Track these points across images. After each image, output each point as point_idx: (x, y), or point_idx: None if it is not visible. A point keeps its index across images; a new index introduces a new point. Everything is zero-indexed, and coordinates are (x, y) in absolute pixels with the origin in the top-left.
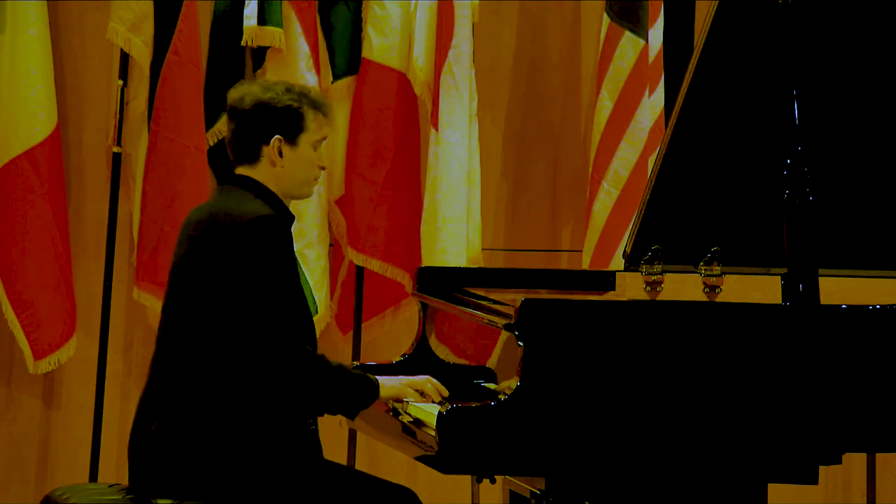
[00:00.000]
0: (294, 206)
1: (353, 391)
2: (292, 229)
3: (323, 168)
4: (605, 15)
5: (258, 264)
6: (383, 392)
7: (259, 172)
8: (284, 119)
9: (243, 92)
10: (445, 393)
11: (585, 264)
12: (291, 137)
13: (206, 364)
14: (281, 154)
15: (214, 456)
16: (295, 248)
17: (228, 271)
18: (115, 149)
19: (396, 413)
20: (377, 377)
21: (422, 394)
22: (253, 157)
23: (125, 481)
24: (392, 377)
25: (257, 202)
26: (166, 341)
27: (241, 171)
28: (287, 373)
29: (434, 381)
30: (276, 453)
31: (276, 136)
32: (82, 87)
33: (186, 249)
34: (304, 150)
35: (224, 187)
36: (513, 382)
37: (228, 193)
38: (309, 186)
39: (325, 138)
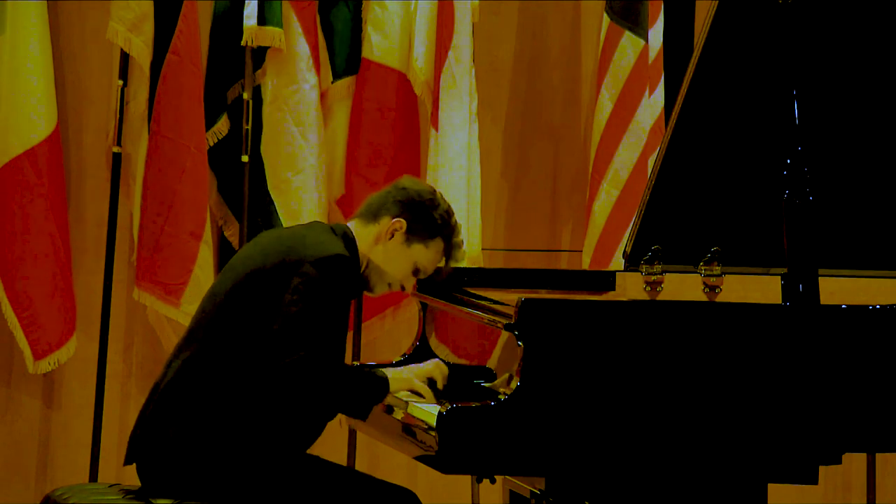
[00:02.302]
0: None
1: (365, 393)
2: None
3: (403, 288)
4: (605, 15)
5: (315, 293)
6: (393, 386)
7: (363, 234)
8: (422, 220)
9: (422, 184)
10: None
11: (585, 264)
12: (411, 235)
13: (229, 362)
14: (391, 237)
15: (216, 456)
16: None
17: (286, 290)
18: (115, 149)
19: (396, 413)
20: (385, 371)
21: (432, 382)
22: (370, 219)
23: (125, 481)
24: (400, 368)
25: (342, 247)
26: (197, 340)
27: (353, 221)
28: (301, 386)
29: (443, 365)
30: (277, 454)
31: (402, 220)
32: (82, 87)
33: (258, 262)
34: (408, 255)
35: (327, 224)
36: (509, 378)
37: (326, 228)
38: (381, 286)
39: (425, 270)
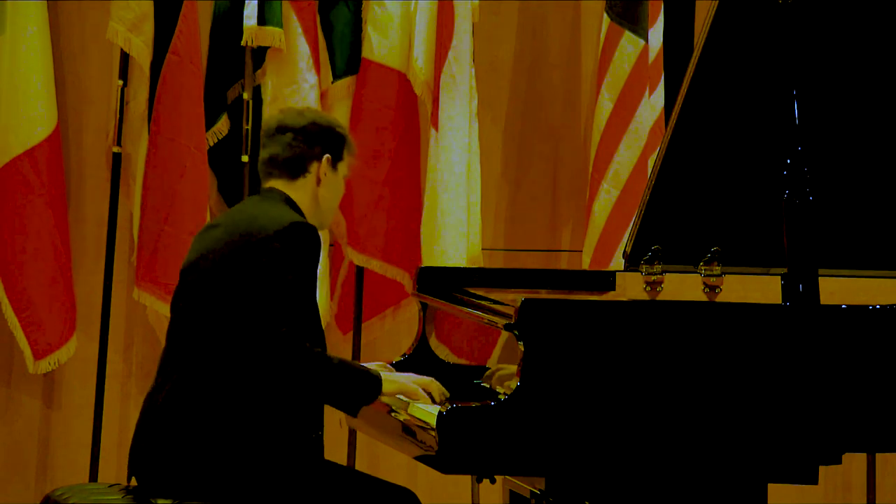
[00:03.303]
0: None
1: (356, 387)
2: None
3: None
4: (605, 15)
5: (287, 266)
6: (385, 387)
7: (296, 190)
8: (335, 143)
9: (299, 111)
10: (447, 395)
11: (585, 264)
12: (335, 162)
13: (216, 362)
14: (325, 175)
15: (216, 455)
16: None
17: (256, 271)
18: (115, 149)
19: (396, 413)
20: (381, 373)
21: (428, 393)
22: (298, 173)
23: (125, 481)
24: (396, 374)
25: (293, 213)
26: (177, 340)
27: (276, 184)
28: (290, 368)
29: (437, 383)
30: (277, 454)
31: (327, 156)
32: (82, 87)
33: (218, 252)
34: (339, 177)
35: (258, 196)
36: (507, 378)
37: (265, 200)
38: (331, 215)
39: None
